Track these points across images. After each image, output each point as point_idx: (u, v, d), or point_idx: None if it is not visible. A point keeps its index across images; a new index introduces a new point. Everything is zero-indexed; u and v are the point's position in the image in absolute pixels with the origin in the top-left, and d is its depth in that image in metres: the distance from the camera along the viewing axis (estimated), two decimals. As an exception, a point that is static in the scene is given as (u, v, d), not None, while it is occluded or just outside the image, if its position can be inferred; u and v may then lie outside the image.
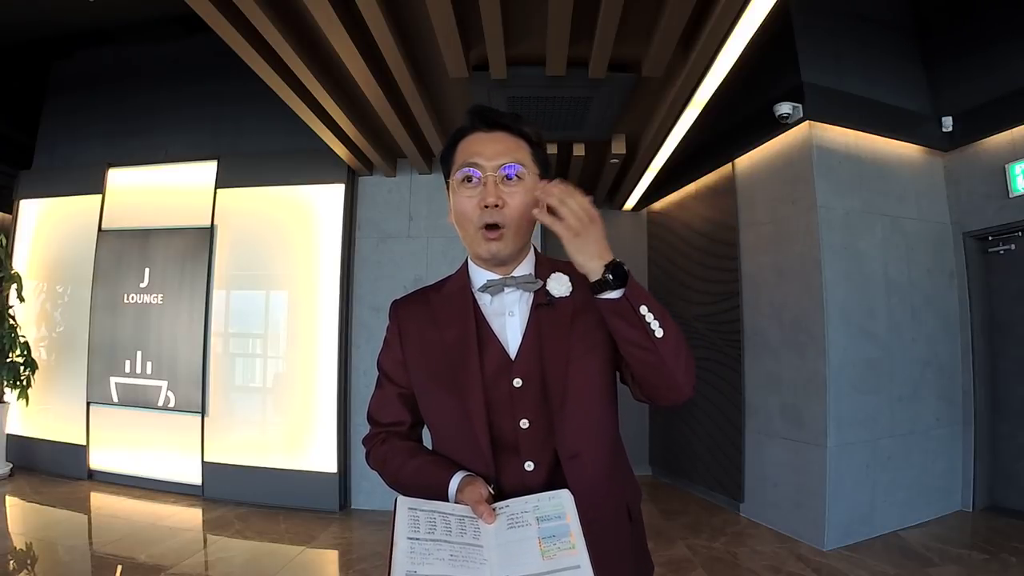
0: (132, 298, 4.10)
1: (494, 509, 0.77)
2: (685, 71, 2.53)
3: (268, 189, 3.97)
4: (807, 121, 3.15)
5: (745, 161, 3.68)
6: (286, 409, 3.82)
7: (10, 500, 3.61)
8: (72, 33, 4.47)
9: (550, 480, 0.84)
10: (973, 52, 3.41)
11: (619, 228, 5.04)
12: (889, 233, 3.34)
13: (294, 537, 3.18)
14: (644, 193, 4.65)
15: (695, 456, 4.15)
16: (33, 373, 4.11)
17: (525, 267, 0.91)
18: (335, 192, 3.89)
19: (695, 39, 2.32)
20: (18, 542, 2.95)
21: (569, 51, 2.35)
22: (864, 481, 3.07)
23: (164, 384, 3.97)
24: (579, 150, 3.66)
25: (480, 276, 0.91)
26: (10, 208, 4.55)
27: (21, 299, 4.14)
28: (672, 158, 3.78)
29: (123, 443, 4.05)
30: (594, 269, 0.77)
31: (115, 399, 4.06)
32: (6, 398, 4.17)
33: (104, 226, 4.23)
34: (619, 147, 3.54)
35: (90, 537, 3.16)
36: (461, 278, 0.93)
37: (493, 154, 0.85)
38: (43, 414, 4.24)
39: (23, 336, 4.13)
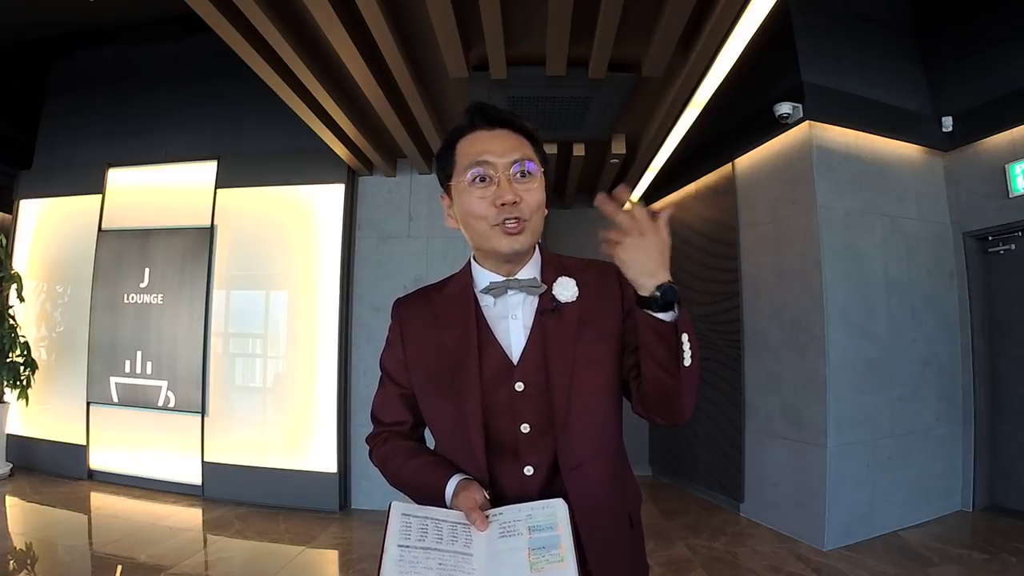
0: (132, 298, 4.10)
1: (487, 516, 0.76)
2: (685, 71, 2.53)
3: (268, 189, 3.97)
4: (807, 121, 3.16)
5: (745, 161, 3.68)
6: (286, 409, 3.82)
7: (10, 500, 3.61)
8: (72, 33, 4.47)
9: (549, 485, 0.83)
10: (973, 52, 3.41)
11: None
12: (889, 233, 3.33)
13: (294, 537, 3.18)
14: (644, 193, 4.64)
15: (695, 456, 4.15)
16: (33, 373, 4.11)
17: (530, 268, 0.90)
18: (335, 192, 3.89)
19: (695, 39, 2.32)
20: (18, 542, 2.95)
21: (569, 51, 2.35)
22: (864, 481, 3.07)
23: (164, 384, 3.97)
24: (579, 150, 3.66)
25: (483, 277, 0.89)
26: (10, 208, 4.55)
27: (21, 299, 4.14)
28: (672, 158, 3.78)
29: (123, 443, 4.05)
30: (646, 285, 0.74)
31: (115, 399, 4.06)
32: (6, 398, 4.17)
33: (104, 226, 4.23)
34: (619, 147, 3.54)
35: (90, 537, 3.16)
36: (464, 278, 0.92)
37: (502, 151, 0.83)
38: (43, 414, 4.24)
39: (23, 336, 4.13)
